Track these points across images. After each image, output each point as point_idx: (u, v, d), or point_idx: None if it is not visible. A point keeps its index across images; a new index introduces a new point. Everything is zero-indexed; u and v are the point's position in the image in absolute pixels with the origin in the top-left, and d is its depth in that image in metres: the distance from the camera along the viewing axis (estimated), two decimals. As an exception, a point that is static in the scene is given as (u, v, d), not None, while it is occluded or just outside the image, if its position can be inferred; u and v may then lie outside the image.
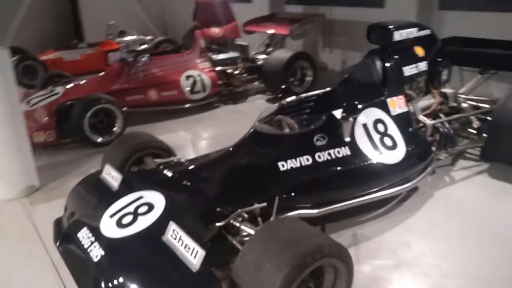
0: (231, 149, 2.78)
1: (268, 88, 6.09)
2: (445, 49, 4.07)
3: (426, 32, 3.57)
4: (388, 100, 3.13)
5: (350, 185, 2.76)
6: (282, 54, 5.85)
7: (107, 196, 2.41)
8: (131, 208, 2.25)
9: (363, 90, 3.19)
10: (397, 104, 3.17)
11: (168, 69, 5.43)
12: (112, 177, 2.50)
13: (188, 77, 5.47)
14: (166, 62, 5.48)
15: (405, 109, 3.20)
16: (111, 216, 2.22)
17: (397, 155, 2.96)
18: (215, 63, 5.89)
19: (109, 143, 4.31)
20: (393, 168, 2.90)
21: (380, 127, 2.99)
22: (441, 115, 3.63)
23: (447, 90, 3.78)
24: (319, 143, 2.71)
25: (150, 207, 2.23)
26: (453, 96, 3.78)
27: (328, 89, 3.34)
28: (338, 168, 2.72)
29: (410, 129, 3.17)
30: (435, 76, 3.71)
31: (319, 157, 2.67)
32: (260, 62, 6.29)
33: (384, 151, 2.91)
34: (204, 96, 5.61)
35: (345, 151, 2.76)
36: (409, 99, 3.32)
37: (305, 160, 2.64)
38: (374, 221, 2.94)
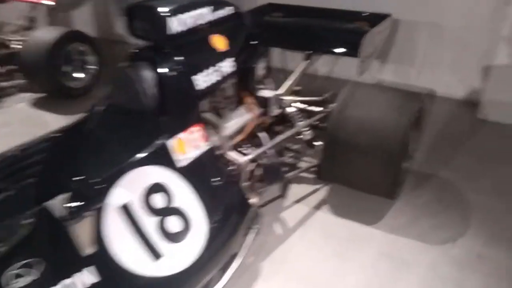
0: None
1: (31, 83, 4.20)
2: (258, 28, 2.92)
3: (228, 10, 2.29)
4: (171, 142, 1.80)
5: None
6: (46, 35, 4.02)
7: None
8: None
9: (121, 131, 1.80)
10: (189, 145, 1.87)
11: None
12: None
13: None
14: None
15: (203, 149, 1.93)
16: None
17: (195, 242, 1.71)
18: None
19: None
20: (191, 269, 1.65)
21: (158, 200, 1.66)
22: (260, 134, 2.48)
23: (266, 92, 2.63)
24: (18, 285, 1.26)
25: None
26: (274, 100, 2.65)
27: (58, 131, 1.79)
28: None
29: (214, 182, 1.93)
30: (247, 75, 2.51)
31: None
32: (18, 47, 4.32)
33: (169, 248, 1.62)
34: None
35: (87, 279, 1.38)
36: (210, 128, 2.06)
37: None
38: None
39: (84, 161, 1.62)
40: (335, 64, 4.54)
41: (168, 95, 1.85)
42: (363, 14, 3.40)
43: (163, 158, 1.75)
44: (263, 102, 2.59)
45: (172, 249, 1.63)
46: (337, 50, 2.96)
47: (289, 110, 2.77)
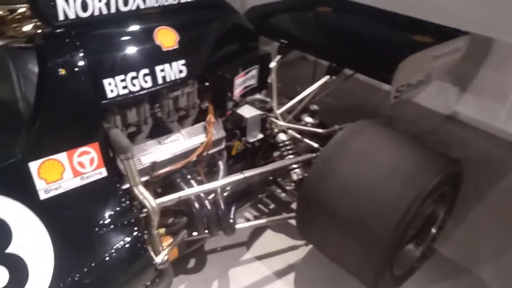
0: None
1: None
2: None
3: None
4: (37, 164, 1.32)
5: None
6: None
7: None
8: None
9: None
10: (68, 170, 1.39)
11: None
12: None
13: None
14: None
15: (92, 178, 1.44)
16: None
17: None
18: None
19: None
20: None
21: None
22: (221, 165, 1.90)
23: (246, 110, 2.01)
24: None
25: None
26: (254, 122, 2.02)
27: None
28: None
29: (94, 226, 1.43)
30: (220, 85, 1.91)
31: None
32: None
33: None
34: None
35: None
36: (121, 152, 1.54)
37: None
38: None
39: None
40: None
41: (49, 100, 1.37)
42: (433, 27, 2.54)
43: (16, 184, 1.30)
44: (240, 123, 2.00)
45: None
46: (366, 70, 2.21)
47: (281, 137, 2.12)
